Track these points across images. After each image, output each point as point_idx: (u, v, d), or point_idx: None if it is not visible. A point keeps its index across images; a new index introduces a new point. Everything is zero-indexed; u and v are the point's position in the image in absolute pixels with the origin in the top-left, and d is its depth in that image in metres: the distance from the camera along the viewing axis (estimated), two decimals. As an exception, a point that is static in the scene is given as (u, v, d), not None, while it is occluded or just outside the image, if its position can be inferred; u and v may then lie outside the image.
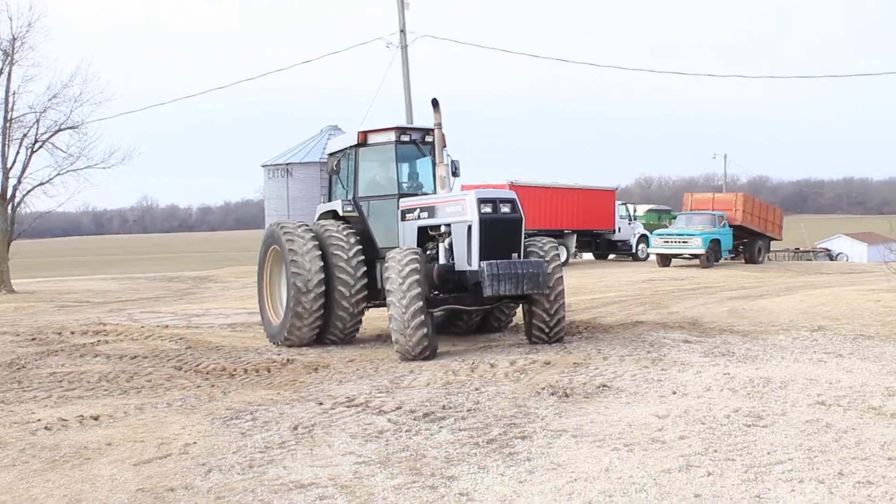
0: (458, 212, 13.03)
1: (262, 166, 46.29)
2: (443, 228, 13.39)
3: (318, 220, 15.17)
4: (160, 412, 9.18)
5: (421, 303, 12.26)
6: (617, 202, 42.92)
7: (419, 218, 13.77)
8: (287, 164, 44.50)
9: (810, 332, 14.12)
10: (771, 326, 14.97)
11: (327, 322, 14.13)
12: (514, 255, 12.88)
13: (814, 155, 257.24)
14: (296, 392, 10.15)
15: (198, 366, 12.38)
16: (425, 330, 12.24)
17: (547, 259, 13.28)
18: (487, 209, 12.81)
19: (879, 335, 13.70)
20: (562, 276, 13.43)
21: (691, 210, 39.64)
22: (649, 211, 52.91)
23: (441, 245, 13.38)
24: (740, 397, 9.07)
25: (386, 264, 12.72)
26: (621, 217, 42.73)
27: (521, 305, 14.03)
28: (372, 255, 14.38)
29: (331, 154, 15.58)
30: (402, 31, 29.61)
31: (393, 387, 10.20)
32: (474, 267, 12.71)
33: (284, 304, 14.63)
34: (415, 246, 13.52)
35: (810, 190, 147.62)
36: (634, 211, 46.34)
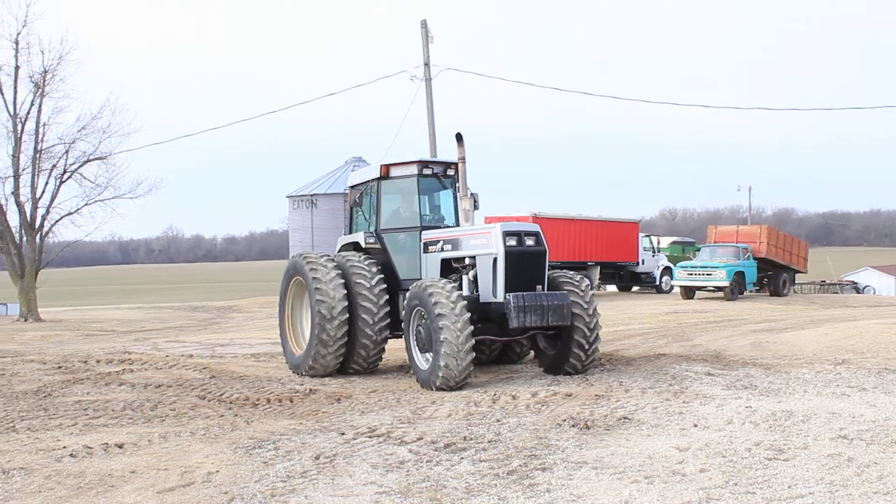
0: (484, 244, 13.16)
1: (287, 197, 46.70)
2: (467, 261, 13.55)
3: (340, 251, 15.31)
4: (184, 441, 9.26)
5: (472, 327, 12.42)
6: (640, 234, 42.89)
7: (442, 250, 13.93)
8: (312, 195, 44.89)
9: (834, 365, 14.05)
10: (794, 360, 14.90)
11: (351, 351, 14.21)
12: (539, 287, 12.99)
13: (840, 187, 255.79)
14: (318, 422, 10.22)
15: (221, 395, 12.49)
16: (474, 354, 12.42)
17: (581, 291, 13.39)
18: (512, 242, 12.96)
19: (904, 369, 13.60)
20: (596, 307, 13.55)
21: (715, 242, 39.52)
22: (673, 243, 52.85)
23: (465, 277, 13.51)
24: (762, 430, 9.05)
25: (429, 293, 12.61)
26: (645, 249, 42.68)
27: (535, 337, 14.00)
28: (394, 286, 14.49)
29: (353, 186, 15.72)
30: (427, 65, 29.86)
31: (415, 417, 10.25)
32: (500, 299, 12.84)
33: (307, 335, 14.73)
34: (438, 277, 13.64)
35: (836, 222, 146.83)
36: (658, 243, 46.26)
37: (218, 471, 7.87)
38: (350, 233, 15.70)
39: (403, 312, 13.49)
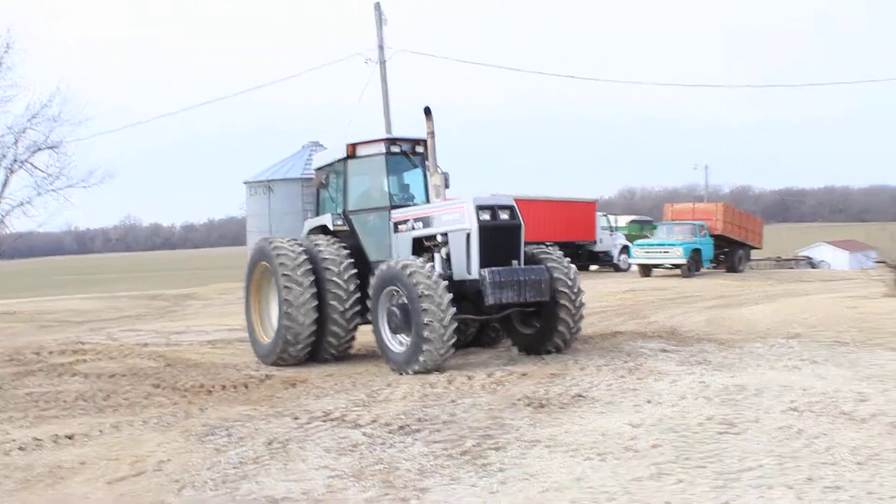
0: (456, 220, 12.79)
1: (244, 183, 46.29)
2: (439, 238, 13.13)
3: (308, 235, 14.93)
4: (136, 430, 9.14)
5: (454, 307, 11.98)
6: (598, 213, 43.07)
7: (413, 228, 13.52)
8: (268, 181, 44.47)
9: (787, 339, 14.20)
10: (748, 334, 15.05)
11: (320, 340, 13.85)
12: (515, 262, 12.66)
13: (795, 164, 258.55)
14: (272, 407, 10.15)
15: (176, 383, 12.35)
16: (456, 335, 12.10)
17: (564, 266, 13.16)
18: (486, 216, 12.58)
19: (855, 341, 13.80)
20: (579, 282, 13.33)
21: (672, 220, 39.81)
22: (631, 222, 53.14)
23: (437, 255, 13.08)
24: (714, 405, 9.12)
25: (408, 273, 12.12)
26: (602, 228, 42.88)
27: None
28: (364, 269, 13.97)
29: (318, 168, 15.26)
30: (381, 47, 29.80)
31: (369, 400, 10.20)
32: (474, 276, 12.46)
33: (275, 323, 14.39)
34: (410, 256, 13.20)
35: (792, 199, 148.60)
36: (616, 222, 46.51)
37: (169, 459, 7.78)
38: (317, 215, 15.24)
39: (372, 292, 12.91)
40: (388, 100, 29.78)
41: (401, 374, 12.09)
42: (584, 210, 41.96)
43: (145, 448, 8.25)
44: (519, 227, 12.93)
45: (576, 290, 13.12)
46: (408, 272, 12.16)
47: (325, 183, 14.89)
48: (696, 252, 36.20)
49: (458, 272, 12.75)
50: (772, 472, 6.67)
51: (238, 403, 10.64)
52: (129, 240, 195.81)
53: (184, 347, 17.02)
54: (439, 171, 13.76)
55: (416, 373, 11.88)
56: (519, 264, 12.72)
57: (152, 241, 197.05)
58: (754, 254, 45.15)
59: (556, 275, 12.99)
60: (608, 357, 12.69)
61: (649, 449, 7.42)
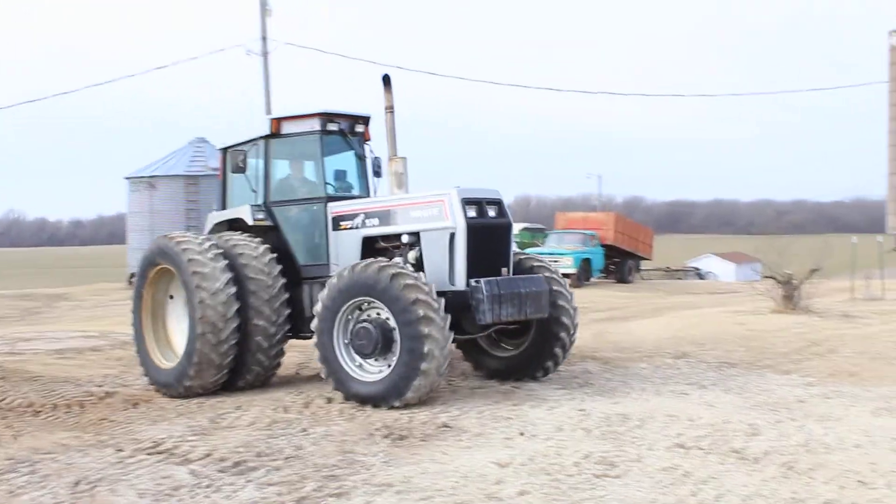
0: (434, 216, 10.44)
1: (126, 179, 44.33)
2: (405, 238, 10.73)
3: (212, 231, 12.37)
4: (-75, 464, 7.78)
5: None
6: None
7: (363, 226, 11.07)
8: (151, 177, 42.63)
9: (674, 359, 13.50)
10: (634, 352, 14.30)
11: (241, 362, 11.14)
12: (504, 270, 10.62)
13: (686, 176, 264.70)
14: (98, 434, 8.90)
15: (2, 401, 10.95)
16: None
17: (559, 276, 11.33)
18: (473, 213, 10.33)
19: (743, 362, 13.17)
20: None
21: (564, 229, 39.35)
22: (523, 229, 52.61)
23: (401, 260, 10.61)
24: (594, 439, 8.20)
25: (392, 277, 9.62)
26: (495, 235, 42.17)
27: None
28: (292, 274, 11.48)
29: (230, 148, 12.22)
30: (264, 39, 28.49)
31: (211, 427, 9.01)
32: (460, 286, 10.17)
33: (176, 343, 11.80)
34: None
35: (682, 210, 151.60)
36: (508, 229, 45.92)
37: (-53, 506, 6.50)
38: (224, 207, 12.60)
39: (325, 304, 10.22)
40: (269, 95, 28.50)
41: (378, 407, 9.65)
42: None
43: (-75, 490, 6.93)
44: (509, 227, 10.89)
45: (574, 305, 11.30)
46: (399, 282, 9.60)
47: (242, 166, 11.75)
48: (587, 262, 35.70)
49: (438, 282, 10.15)
50: (653, 528, 5.75)
51: (63, 428, 9.35)
52: (13, 235, 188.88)
53: (27, 357, 15.46)
54: (369, 156, 12.01)
55: (405, 405, 9.55)
56: (509, 272, 10.69)
57: (38, 237, 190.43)
58: (644, 264, 45.11)
59: (554, 287, 11.07)
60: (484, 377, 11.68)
61: (515, 497, 6.42)
